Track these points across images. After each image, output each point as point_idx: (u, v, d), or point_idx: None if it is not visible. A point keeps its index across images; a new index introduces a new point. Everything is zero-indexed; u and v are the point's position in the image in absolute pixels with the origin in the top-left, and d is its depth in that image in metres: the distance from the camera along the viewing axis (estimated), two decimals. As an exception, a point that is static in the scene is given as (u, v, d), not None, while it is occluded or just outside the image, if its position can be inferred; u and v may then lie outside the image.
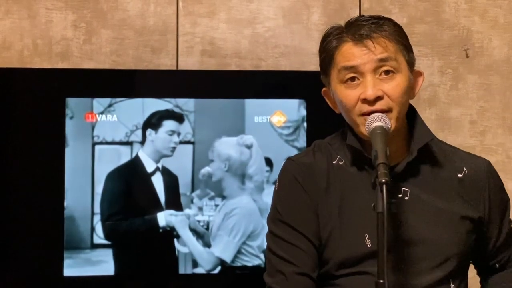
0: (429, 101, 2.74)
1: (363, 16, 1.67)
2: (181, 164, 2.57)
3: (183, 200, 2.57)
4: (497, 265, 1.78)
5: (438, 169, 1.70)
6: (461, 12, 2.76)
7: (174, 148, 2.57)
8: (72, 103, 2.53)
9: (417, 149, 1.65)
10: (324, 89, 1.72)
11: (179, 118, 2.57)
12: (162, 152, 2.57)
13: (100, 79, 2.59)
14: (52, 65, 2.65)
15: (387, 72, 1.61)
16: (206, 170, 2.58)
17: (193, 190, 2.57)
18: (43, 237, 2.50)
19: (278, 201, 1.72)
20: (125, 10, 2.70)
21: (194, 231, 2.57)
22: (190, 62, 2.69)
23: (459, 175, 1.70)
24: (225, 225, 2.58)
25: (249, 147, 2.58)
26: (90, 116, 2.53)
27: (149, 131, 2.57)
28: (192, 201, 2.57)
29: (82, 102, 2.54)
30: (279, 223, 1.70)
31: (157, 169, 2.57)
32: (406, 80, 1.63)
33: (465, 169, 1.70)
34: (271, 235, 1.71)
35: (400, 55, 1.63)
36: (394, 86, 1.61)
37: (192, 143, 2.57)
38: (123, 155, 2.56)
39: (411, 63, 1.66)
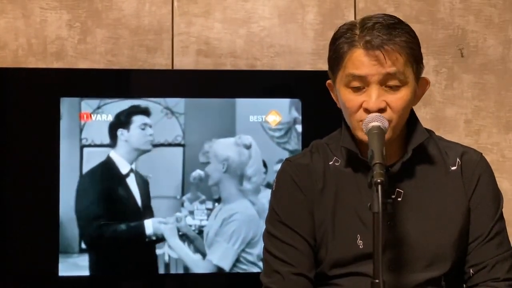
0: (424, 100, 2.72)
1: (379, 22, 1.63)
2: (157, 166, 2.53)
3: (173, 203, 2.53)
4: (471, 270, 1.68)
5: (433, 168, 1.70)
6: (456, 11, 2.77)
7: (151, 141, 2.52)
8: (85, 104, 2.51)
9: (412, 149, 1.66)
10: (328, 81, 1.71)
11: (145, 112, 2.52)
12: (141, 148, 2.52)
13: (95, 78, 2.59)
14: (47, 65, 2.64)
15: (393, 85, 1.62)
16: (197, 173, 2.54)
17: (183, 193, 2.54)
18: (36, 238, 2.50)
19: (275, 201, 1.73)
20: (120, 9, 2.69)
21: (184, 236, 2.53)
22: (185, 62, 2.69)
23: (453, 168, 1.70)
24: (223, 231, 2.53)
25: (248, 147, 2.56)
26: (85, 116, 2.52)
27: (120, 131, 2.52)
28: (182, 205, 2.54)
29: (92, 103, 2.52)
30: (276, 223, 1.70)
31: (131, 170, 2.52)
32: (411, 93, 1.64)
33: (458, 160, 1.70)
34: (268, 235, 1.72)
35: (409, 68, 1.63)
36: (398, 98, 1.62)
37: (183, 145, 2.54)
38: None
39: (419, 73, 1.66)
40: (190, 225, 2.53)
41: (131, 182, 2.53)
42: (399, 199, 1.65)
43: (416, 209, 1.66)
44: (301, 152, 1.81)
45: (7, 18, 2.66)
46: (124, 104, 2.53)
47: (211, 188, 2.54)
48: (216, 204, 2.55)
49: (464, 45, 2.77)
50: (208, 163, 2.55)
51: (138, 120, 2.53)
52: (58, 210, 2.48)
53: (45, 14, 2.67)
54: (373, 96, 1.60)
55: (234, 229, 2.52)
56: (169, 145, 2.54)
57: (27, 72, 2.59)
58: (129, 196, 2.51)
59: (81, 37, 2.67)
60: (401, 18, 1.69)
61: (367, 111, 1.61)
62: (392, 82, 1.61)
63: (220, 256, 2.52)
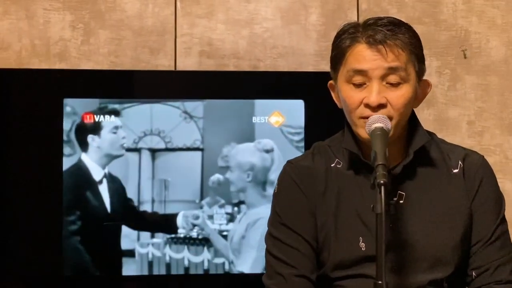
0: (427, 101, 2.73)
1: (382, 19, 1.65)
2: (176, 170, 2.51)
3: (192, 207, 2.52)
4: (474, 273, 1.68)
5: (435, 170, 1.70)
6: (458, 12, 2.77)
7: (123, 144, 2.50)
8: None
9: (414, 151, 1.66)
10: (330, 82, 1.72)
11: (114, 112, 2.50)
12: (113, 154, 2.50)
13: (98, 79, 2.59)
14: (50, 66, 2.65)
15: (394, 81, 1.61)
16: (216, 177, 2.52)
17: (202, 197, 2.53)
18: (39, 238, 2.50)
19: (277, 204, 1.73)
20: (123, 10, 2.70)
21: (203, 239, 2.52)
22: (188, 63, 2.69)
23: (455, 171, 1.70)
24: (250, 237, 2.52)
25: (268, 151, 2.54)
26: (88, 117, 2.52)
27: (91, 137, 2.49)
28: (201, 209, 2.53)
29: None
30: (278, 226, 1.71)
31: (104, 176, 2.50)
32: (412, 91, 1.63)
33: (460, 163, 1.70)
34: (270, 238, 1.72)
35: (411, 66, 1.63)
36: (398, 95, 1.61)
37: (201, 149, 2.53)
38: (131, 163, 2.53)
39: (420, 73, 1.66)
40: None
41: (103, 189, 2.50)
42: (401, 201, 1.65)
43: (418, 211, 1.66)
44: (303, 154, 1.82)
45: (10, 19, 2.67)
46: (144, 108, 2.52)
47: (232, 194, 2.52)
48: (236, 208, 2.53)
49: (467, 46, 2.77)
50: (227, 167, 2.53)
51: (108, 123, 2.50)
52: (61, 211, 2.49)
53: (49, 15, 2.68)
54: (374, 91, 1.60)
55: (262, 235, 2.50)
56: (188, 149, 2.53)
57: (30, 73, 2.59)
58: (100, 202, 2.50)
59: (84, 38, 2.68)
60: (403, 19, 1.69)
61: (368, 106, 1.60)
62: (393, 78, 1.61)
63: (252, 265, 2.50)
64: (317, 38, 2.70)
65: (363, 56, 1.61)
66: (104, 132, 2.51)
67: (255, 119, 2.55)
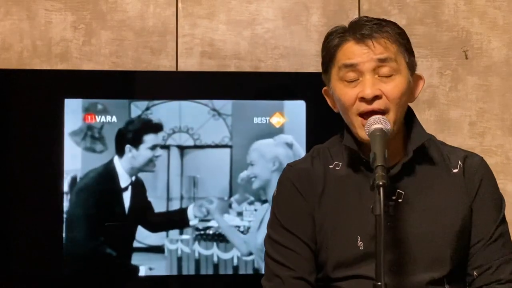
0: (428, 102, 2.74)
1: (366, 17, 1.68)
2: (205, 167, 2.52)
3: (224, 205, 2.52)
4: (475, 272, 1.68)
5: (434, 169, 1.70)
6: (460, 13, 2.77)
7: (154, 162, 2.52)
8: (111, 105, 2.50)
9: (413, 150, 1.66)
10: (324, 88, 1.73)
11: (157, 127, 2.51)
12: (142, 169, 2.51)
13: (99, 80, 2.59)
14: (51, 66, 2.65)
15: (387, 73, 1.62)
16: (245, 174, 2.53)
17: (231, 194, 2.53)
18: (40, 239, 2.50)
19: (276, 206, 1.74)
20: (125, 11, 2.70)
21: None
22: (189, 64, 2.70)
23: (454, 171, 1.70)
24: None
25: (290, 145, 2.55)
26: (89, 117, 2.52)
27: (129, 148, 2.51)
28: (230, 206, 2.53)
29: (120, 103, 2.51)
30: (277, 228, 1.71)
31: (130, 183, 2.51)
32: (405, 82, 1.64)
33: (460, 163, 1.71)
34: (269, 240, 1.73)
35: (401, 57, 1.63)
36: (392, 86, 1.62)
37: (230, 146, 2.54)
38: (160, 160, 2.53)
39: (411, 66, 1.67)
40: (238, 226, 2.53)
41: (126, 196, 2.51)
42: (400, 200, 1.65)
43: (416, 210, 1.66)
44: (302, 157, 1.83)
45: (12, 20, 2.67)
46: (173, 105, 2.53)
47: (259, 191, 2.53)
48: (266, 205, 2.54)
49: (469, 47, 2.77)
50: (254, 164, 2.53)
51: (149, 140, 2.52)
52: (62, 211, 2.49)
53: (50, 16, 2.68)
54: (368, 84, 1.60)
55: None
56: (216, 146, 2.54)
57: (31, 73, 2.59)
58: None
59: (85, 38, 2.68)
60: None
61: (363, 100, 1.61)
62: (385, 70, 1.62)
63: None
64: (318, 39, 2.69)
65: (352, 51, 1.62)
66: (143, 147, 2.52)
67: (256, 120, 2.56)
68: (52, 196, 2.50)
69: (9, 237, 2.51)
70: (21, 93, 2.56)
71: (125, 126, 2.52)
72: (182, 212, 2.53)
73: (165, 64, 2.69)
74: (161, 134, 2.52)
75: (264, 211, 2.54)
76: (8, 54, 2.66)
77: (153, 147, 2.53)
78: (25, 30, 2.67)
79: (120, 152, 2.52)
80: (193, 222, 2.52)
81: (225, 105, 2.54)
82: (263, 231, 1.86)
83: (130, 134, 2.52)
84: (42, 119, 2.52)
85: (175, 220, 2.53)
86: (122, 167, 2.52)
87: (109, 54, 2.68)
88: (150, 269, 2.52)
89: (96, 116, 2.52)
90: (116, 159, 2.52)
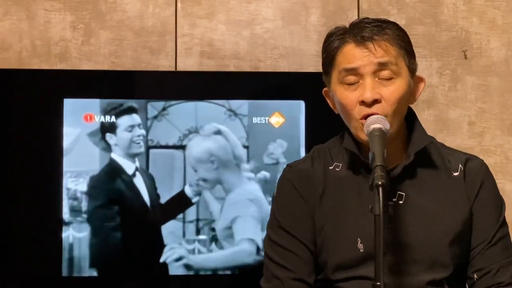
0: (427, 102, 2.74)
1: (367, 18, 1.66)
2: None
3: None
4: (475, 275, 1.68)
5: (435, 172, 1.70)
6: (459, 13, 2.77)
7: (140, 142, 2.51)
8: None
9: (414, 153, 1.66)
10: (325, 89, 1.72)
11: (131, 110, 2.51)
12: (133, 152, 2.51)
13: (99, 80, 2.59)
14: (50, 66, 2.65)
15: (387, 76, 1.61)
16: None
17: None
18: (39, 240, 2.50)
19: (276, 207, 1.74)
20: (124, 11, 2.70)
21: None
22: (188, 64, 2.70)
23: (455, 174, 1.70)
24: None
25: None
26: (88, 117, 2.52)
27: (108, 136, 2.51)
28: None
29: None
30: (276, 229, 1.71)
31: (136, 169, 2.52)
32: (406, 85, 1.63)
33: (460, 166, 1.70)
34: (268, 241, 1.73)
35: (401, 60, 1.63)
36: (392, 90, 1.61)
37: (247, 147, 2.54)
38: (176, 159, 2.53)
39: (412, 68, 1.66)
40: None
41: (138, 181, 2.52)
42: (400, 202, 1.65)
43: (417, 212, 1.66)
44: (302, 158, 1.82)
45: (11, 20, 2.67)
46: (189, 106, 2.53)
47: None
48: None
49: (468, 47, 2.77)
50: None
51: (123, 122, 2.51)
52: (61, 211, 2.49)
53: (49, 16, 2.68)
54: (368, 88, 1.60)
55: None
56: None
57: (31, 73, 2.59)
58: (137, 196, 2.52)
59: (84, 38, 2.68)
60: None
61: (363, 103, 1.60)
62: (385, 73, 1.61)
63: None
64: (317, 39, 2.69)
65: (353, 54, 1.61)
66: (119, 131, 2.51)
67: (255, 120, 2.55)
68: (51, 196, 2.49)
69: (8, 237, 2.51)
70: (20, 93, 2.56)
71: (105, 120, 2.51)
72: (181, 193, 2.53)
73: (164, 64, 2.69)
74: (138, 115, 2.51)
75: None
76: (8, 54, 2.66)
77: (130, 128, 2.51)
78: (24, 30, 2.67)
79: (107, 143, 2.51)
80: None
81: (241, 105, 2.52)
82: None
83: (107, 124, 2.51)
84: (41, 119, 2.52)
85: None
86: (120, 156, 2.51)
87: (108, 54, 2.68)
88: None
89: (96, 116, 2.52)
90: (112, 153, 2.52)
